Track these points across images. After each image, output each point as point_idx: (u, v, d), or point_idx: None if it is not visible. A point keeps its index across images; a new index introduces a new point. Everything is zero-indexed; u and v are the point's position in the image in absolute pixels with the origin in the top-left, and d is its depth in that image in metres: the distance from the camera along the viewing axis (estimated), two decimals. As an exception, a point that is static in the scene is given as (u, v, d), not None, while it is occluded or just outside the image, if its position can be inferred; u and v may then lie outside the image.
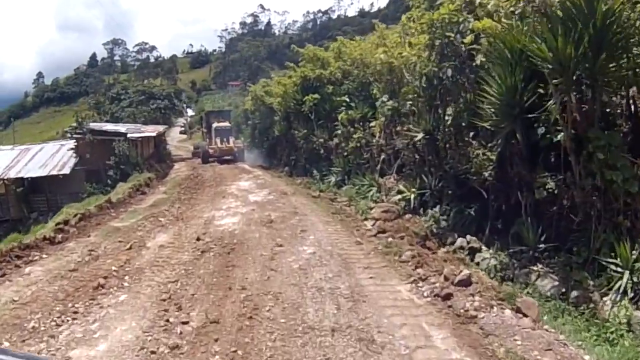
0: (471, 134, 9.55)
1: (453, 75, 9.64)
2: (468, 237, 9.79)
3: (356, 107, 16.45)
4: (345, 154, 16.35)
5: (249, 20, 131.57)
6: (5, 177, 23.68)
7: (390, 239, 8.87)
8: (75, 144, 23.88)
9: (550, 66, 6.88)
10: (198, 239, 9.28)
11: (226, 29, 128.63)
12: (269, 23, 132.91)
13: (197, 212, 12.48)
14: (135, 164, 22.50)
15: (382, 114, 12.77)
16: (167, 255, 8.29)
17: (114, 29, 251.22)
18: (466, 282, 6.64)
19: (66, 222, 11.48)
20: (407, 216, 11.71)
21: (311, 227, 9.98)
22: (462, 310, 5.71)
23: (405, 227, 9.97)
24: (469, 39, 9.40)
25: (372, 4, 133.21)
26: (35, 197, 25.06)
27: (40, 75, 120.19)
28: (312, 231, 9.53)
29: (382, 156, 14.39)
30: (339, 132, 15.92)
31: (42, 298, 6.43)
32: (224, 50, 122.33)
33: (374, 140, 15.06)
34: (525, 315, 5.64)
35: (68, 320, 5.60)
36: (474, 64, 9.42)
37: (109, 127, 26.21)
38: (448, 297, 6.17)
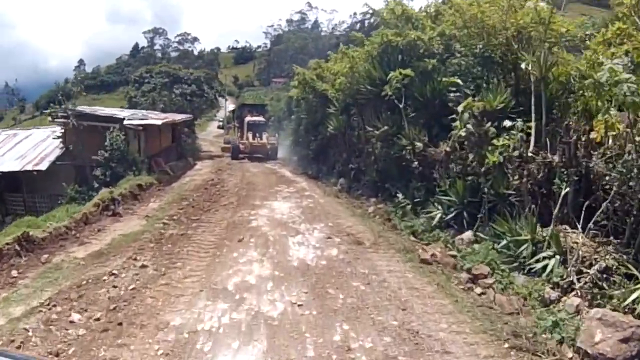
0: None
1: None
2: None
3: (490, 92, 9.12)
4: (462, 170, 9.06)
5: (296, 17, 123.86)
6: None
7: None
8: (62, 131, 17.87)
9: None
10: None
11: (272, 25, 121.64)
12: (316, 21, 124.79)
13: (172, 291, 5.46)
14: (132, 162, 16.07)
15: (623, 103, 5.19)
16: None
17: (163, 21, 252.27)
18: None
19: None
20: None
21: None
22: None
23: None
24: None
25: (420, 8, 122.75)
26: (11, 196, 19.40)
27: (81, 62, 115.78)
28: None
29: (566, 189, 6.95)
30: (462, 132, 8.49)
31: None
32: (268, 46, 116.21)
33: (537, 155, 7.71)
34: None
35: None
36: None
37: (104, 110, 19.98)
38: None
